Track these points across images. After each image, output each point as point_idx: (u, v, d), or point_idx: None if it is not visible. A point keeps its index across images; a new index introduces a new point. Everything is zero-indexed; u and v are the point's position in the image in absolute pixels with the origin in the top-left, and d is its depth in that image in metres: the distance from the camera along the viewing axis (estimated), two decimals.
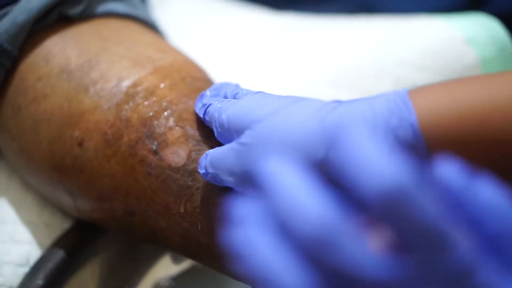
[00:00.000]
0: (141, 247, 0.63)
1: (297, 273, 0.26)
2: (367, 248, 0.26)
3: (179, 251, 0.53)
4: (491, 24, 0.69)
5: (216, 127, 0.48)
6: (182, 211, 0.49)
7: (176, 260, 0.64)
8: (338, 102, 0.43)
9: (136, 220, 0.52)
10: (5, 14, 0.57)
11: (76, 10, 0.58)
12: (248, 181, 0.43)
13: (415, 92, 0.42)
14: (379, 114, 0.40)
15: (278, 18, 0.77)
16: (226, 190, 0.48)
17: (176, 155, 0.50)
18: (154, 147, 0.51)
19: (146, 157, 0.51)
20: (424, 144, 0.39)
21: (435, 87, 0.42)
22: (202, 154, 0.50)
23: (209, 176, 0.46)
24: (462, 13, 0.72)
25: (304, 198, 0.26)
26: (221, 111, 0.47)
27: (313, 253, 0.26)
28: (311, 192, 0.26)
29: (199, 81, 0.55)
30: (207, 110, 0.49)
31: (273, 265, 0.27)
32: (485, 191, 0.28)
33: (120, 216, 0.53)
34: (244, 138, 0.44)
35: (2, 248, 0.58)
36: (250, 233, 0.27)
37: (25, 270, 0.57)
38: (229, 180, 0.45)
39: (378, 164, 0.25)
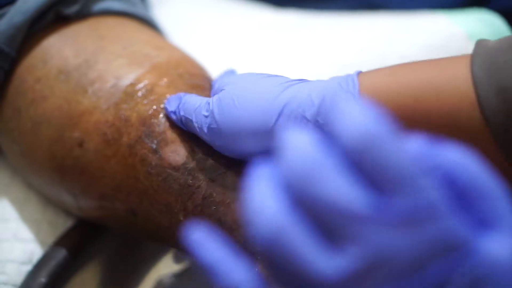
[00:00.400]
0: (144, 244, 0.63)
1: (280, 206, 0.30)
2: (347, 181, 0.29)
3: (182, 249, 0.53)
4: (493, 20, 0.68)
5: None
6: (182, 212, 0.49)
7: (177, 260, 0.64)
8: (302, 80, 0.47)
9: (139, 219, 0.52)
10: (2, 15, 0.56)
11: (73, 9, 0.58)
12: (216, 130, 0.47)
13: (364, 73, 0.46)
14: (330, 88, 0.45)
15: (281, 15, 0.77)
16: (227, 189, 0.48)
17: (176, 154, 0.50)
18: (154, 146, 0.50)
19: (146, 156, 0.50)
20: None
21: (383, 69, 0.46)
22: (201, 151, 0.50)
23: (177, 117, 0.50)
24: (464, 10, 0.72)
25: (296, 142, 0.30)
26: (218, 80, 0.51)
27: (298, 188, 0.29)
28: (304, 139, 0.30)
29: (196, 77, 0.55)
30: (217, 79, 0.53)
31: (261, 202, 0.30)
32: (450, 154, 0.30)
33: (123, 216, 0.53)
34: (218, 94, 0.48)
35: (5, 246, 0.58)
36: (254, 183, 0.31)
37: (28, 268, 0.57)
38: (195, 126, 0.49)
39: (356, 117, 0.29)
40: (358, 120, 0.29)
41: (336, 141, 0.30)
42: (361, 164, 0.29)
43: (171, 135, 0.51)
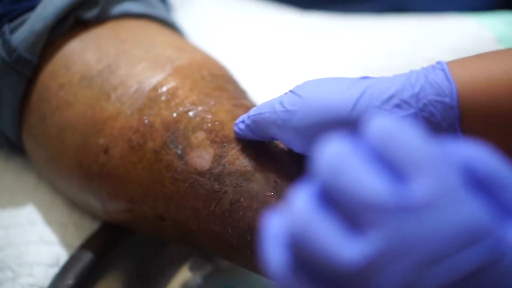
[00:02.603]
0: (170, 247, 0.63)
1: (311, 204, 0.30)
2: (369, 172, 0.29)
3: (212, 252, 0.52)
4: None
5: None
6: (210, 217, 0.48)
7: (193, 269, 0.63)
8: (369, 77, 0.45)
9: (167, 224, 0.51)
10: (22, 22, 0.56)
11: (92, 13, 0.57)
12: (291, 120, 0.45)
13: (450, 62, 0.43)
14: (413, 73, 0.42)
15: (306, 18, 0.77)
16: (254, 194, 0.47)
17: (202, 159, 0.49)
18: (179, 152, 0.50)
19: (171, 161, 0.50)
20: (454, 86, 0.41)
21: (465, 58, 0.43)
22: (226, 156, 0.49)
23: (245, 125, 0.48)
24: (493, 12, 0.71)
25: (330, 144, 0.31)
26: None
27: (325, 181, 0.30)
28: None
29: (219, 78, 0.54)
30: None
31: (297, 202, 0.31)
32: (468, 150, 0.30)
33: (151, 221, 0.52)
34: (292, 89, 0.46)
35: (32, 249, 0.58)
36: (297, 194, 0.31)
37: (55, 270, 0.56)
38: (267, 119, 0.46)
39: (382, 118, 0.30)
40: (384, 119, 0.30)
41: (363, 140, 0.30)
42: (384, 156, 0.29)
43: (195, 140, 0.50)
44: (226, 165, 0.49)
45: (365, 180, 0.29)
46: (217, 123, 0.50)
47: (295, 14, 0.77)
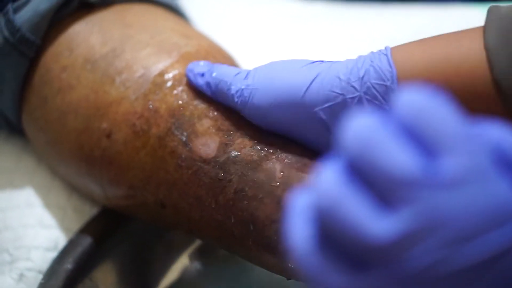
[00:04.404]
0: (171, 234, 0.62)
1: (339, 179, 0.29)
2: (399, 148, 0.28)
3: (213, 242, 0.51)
4: None
5: None
6: (213, 206, 0.48)
7: (194, 256, 0.63)
8: (324, 61, 0.48)
9: (168, 211, 0.50)
10: (27, 2, 0.54)
11: None
12: (254, 97, 0.47)
13: (397, 48, 0.46)
14: (361, 58, 0.45)
15: (309, 6, 0.76)
16: (259, 184, 0.46)
17: (207, 147, 0.48)
18: (184, 138, 0.48)
19: (176, 148, 0.48)
20: (395, 72, 0.44)
21: (414, 44, 0.46)
22: (232, 145, 0.48)
23: (206, 81, 0.49)
24: (497, 3, 0.70)
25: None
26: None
27: (354, 156, 0.29)
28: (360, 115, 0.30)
29: None
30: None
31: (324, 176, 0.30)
32: (494, 130, 0.30)
33: (151, 207, 0.51)
34: (255, 68, 0.48)
35: (30, 232, 0.56)
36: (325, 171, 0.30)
37: (53, 254, 0.54)
38: (231, 90, 0.48)
39: (413, 91, 0.29)
40: (414, 93, 0.29)
41: (392, 115, 0.29)
42: (415, 131, 0.29)
43: (201, 127, 0.48)
44: (232, 153, 0.47)
45: (396, 155, 0.28)
46: (223, 111, 0.49)
47: (298, 2, 0.77)
